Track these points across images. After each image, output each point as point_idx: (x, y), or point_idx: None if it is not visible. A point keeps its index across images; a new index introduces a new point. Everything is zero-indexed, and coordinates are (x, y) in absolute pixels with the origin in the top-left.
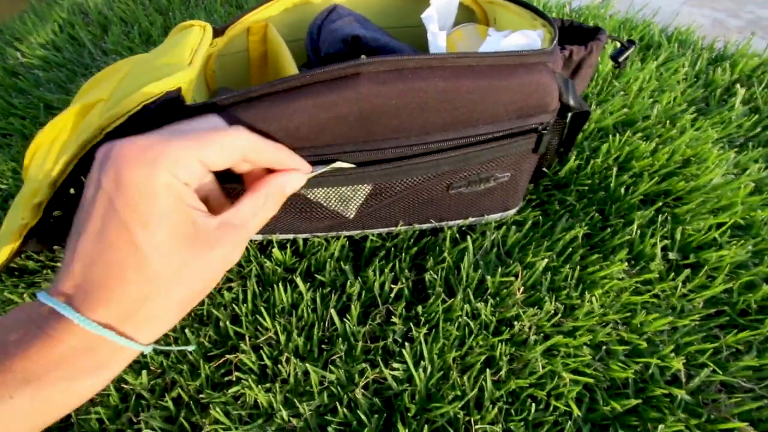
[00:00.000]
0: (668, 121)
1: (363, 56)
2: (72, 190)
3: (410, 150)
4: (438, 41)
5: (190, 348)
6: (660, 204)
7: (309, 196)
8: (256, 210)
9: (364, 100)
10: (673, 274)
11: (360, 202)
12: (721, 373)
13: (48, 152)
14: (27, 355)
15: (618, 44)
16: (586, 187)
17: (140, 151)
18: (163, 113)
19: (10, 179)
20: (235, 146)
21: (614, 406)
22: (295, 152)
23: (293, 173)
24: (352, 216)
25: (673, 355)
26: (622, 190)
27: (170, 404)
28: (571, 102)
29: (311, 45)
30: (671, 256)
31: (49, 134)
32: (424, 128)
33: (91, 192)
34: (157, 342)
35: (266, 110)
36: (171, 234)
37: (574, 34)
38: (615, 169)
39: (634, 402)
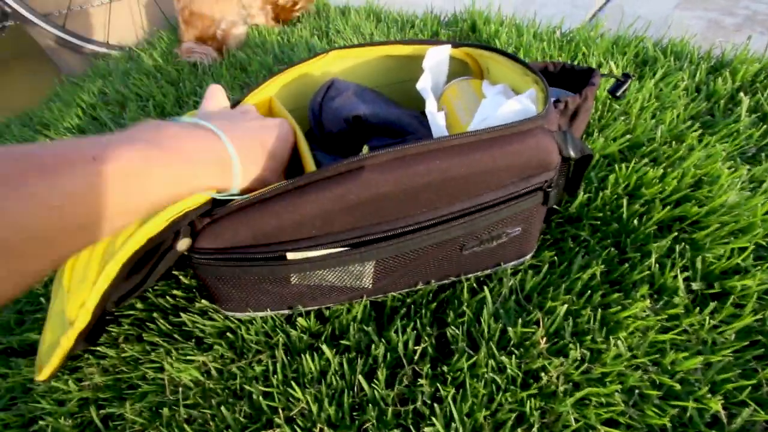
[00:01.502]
0: (674, 141)
1: (365, 147)
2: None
3: (419, 225)
4: (437, 120)
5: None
6: (676, 232)
7: (323, 283)
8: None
9: (370, 190)
10: (699, 306)
11: (373, 274)
12: (762, 411)
13: (90, 261)
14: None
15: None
16: (599, 221)
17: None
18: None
19: None
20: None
21: None
22: (311, 239)
23: None
24: (369, 286)
25: (710, 395)
26: (635, 221)
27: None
28: (572, 153)
29: (314, 120)
30: (695, 286)
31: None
32: (430, 205)
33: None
34: None
35: (279, 205)
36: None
37: (567, 77)
38: (626, 199)
39: None
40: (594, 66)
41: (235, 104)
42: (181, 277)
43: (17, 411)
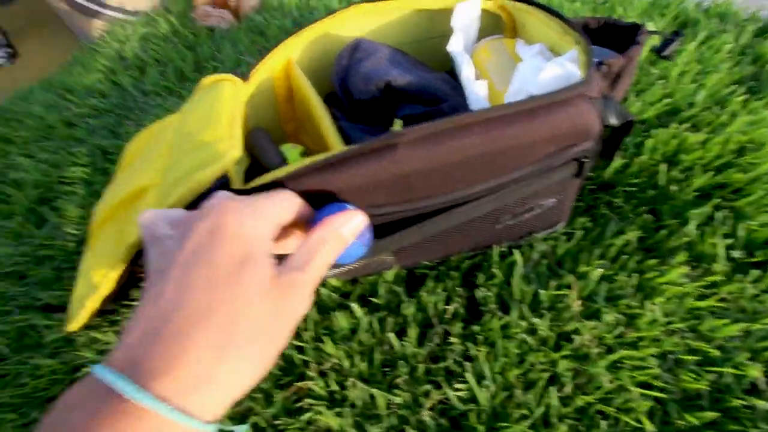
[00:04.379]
0: (716, 106)
1: (398, 122)
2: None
3: (452, 203)
4: (477, 90)
5: (245, 427)
6: (717, 199)
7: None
8: (312, 252)
9: (404, 167)
10: (740, 275)
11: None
12: None
13: (111, 234)
14: None
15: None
16: (635, 187)
17: (238, 204)
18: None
19: (82, 226)
20: (296, 208)
21: (690, 420)
22: None
23: (349, 214)
24: (398, 262)
25: (749, 362)
26: (674, 187)
27: (250, 431)
28: (613, 121)
29: (340, 86)
30: (736, 255)
31: (108, 215)
32: (464, 182)
33: (174, 242)
34: None
35: (314, 179)
36: (255, 281)
37: (610, 34)
38: (664, 165)
39: (711, 415)
40: None
41: (253, 71)
42: None
43: (62, 359)
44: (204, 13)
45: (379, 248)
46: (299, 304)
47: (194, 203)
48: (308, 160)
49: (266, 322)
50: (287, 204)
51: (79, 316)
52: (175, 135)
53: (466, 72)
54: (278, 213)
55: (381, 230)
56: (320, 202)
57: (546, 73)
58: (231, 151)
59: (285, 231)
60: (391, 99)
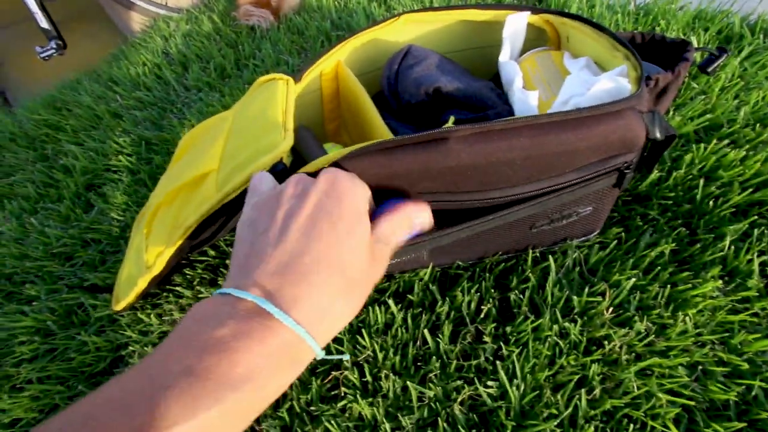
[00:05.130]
0: (757, 124)
1: (451, 117)
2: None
3: (494, 201)
4: (529, 100)
5: (346, 357)
6: (754, 216)
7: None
8: (394, 229)
9: (453, 160)
10: None
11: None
12: None
13: (167, 217)
14: (240, 352)
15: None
16: (670, 201)
17: (346, 174)
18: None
19: (126, 212)
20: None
21: (716, 428)
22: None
23: (420, 206)
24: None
25: None
26: (710, 203)
27: (285, 415)
28: (658, 135)
29: (389, 88)
30: None
31: (166, 200)
32: (508, 182)
33: (287, 199)
34: None
35: (368, 161)
36: (362, 239)
37: (656, 49)
38: (701, 180)
39: (738, 425)
40: None
41: (304, 71)
42: None
43: (107, 337)
44: (246, 13)
45: (422, 244)
46: (381, 268)
47: None
48: (365, 144)
49: (366, 275)
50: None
51: (126, 298)
52: (232, 127)
53: (518, 82)
54: (369, 193)
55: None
56: (379, 195)
57: (598, 87)
58: (285, 141)
59: None
60: (439, 104)
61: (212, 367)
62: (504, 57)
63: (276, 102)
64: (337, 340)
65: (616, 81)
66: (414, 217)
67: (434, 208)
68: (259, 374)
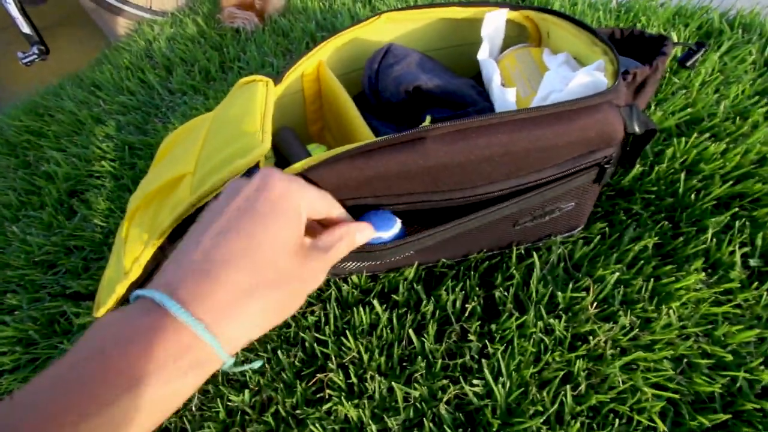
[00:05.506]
0: (737, 117)
1: (427, 117)
2: None
3: (474, 199)
4: (507, 97)
5: (257, 364)
6: (735, 208)
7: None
8: (334, 243)
9: (431, 159)
10: (756, 282)
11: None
12: None
13: (145, 221)
14: (134, 355)
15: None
16: (653, 195)
17: (281, 173)
18: None
19: (109, 218)
20: (330, 205)
21: (702, 420)
22: (370, 198)
23: (365, 226)
24: (419, 258)
25: (762, 367)
26: (692, 196)
27: (270, 420)
28: (637, 129)
29: (369, 87)
30: (752, 263)
31: (143, 203)
32: (488, 179)
33: (223, 202)
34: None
35: (347, 166)
36: (287, 239)
37: (636, 44)
38: (683, 174)
39: (723, 417)
40: None
41: (284, 73)
42: None
43: None
44: (230, 15)
45: (405, 246)
46: (316, 277)
47: None
48: (343, 148)
49: (288, 278)
50: (325, 198)
51: (106, 304)
52: (210, 129)
53: (496, 79)
54: (317, 199)
55: (407, 218)
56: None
57: (575, 82)
58: (262, 144)
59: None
60: (419, 102)
61: (108, 373)
62: (483, 55)
63: (255, 105)
64: (321, 342)
65: (592, 75)
66: (357, 233)
67: (416, 208)
68: (150, 377)
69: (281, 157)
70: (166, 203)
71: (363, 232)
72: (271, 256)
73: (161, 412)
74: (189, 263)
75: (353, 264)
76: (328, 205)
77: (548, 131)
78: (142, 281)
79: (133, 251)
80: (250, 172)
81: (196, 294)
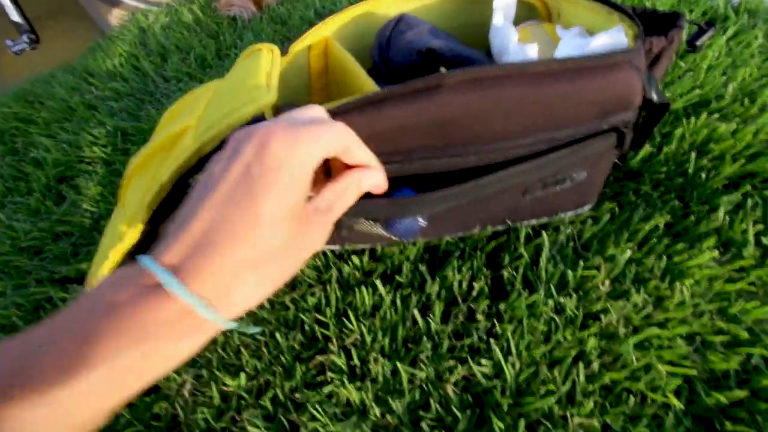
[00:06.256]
0: (746, 99)
1: (442, 68)
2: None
3: (488, 157)
4: (528, 53)
5: (257, 329)
6: (747, 187)
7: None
8: (337, 198)
9: (445, 109)
10: None
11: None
12: None
13: (143, 181)
14: (136, 318)
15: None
16: (662, 175)
17: (284, 130)
18: None
19: (100, 203)
20: (340, 140)
21: (718, 398)
22: (380, 154)
23: (371, 170)
24: (424, 224)
25: None
26: (703, 175)
27: (268, 404)
28: (654, 97)
29: (380, 55)
30: (765, 241)
31: (140, 164)
32: (503, 134)
33: (222, 165)
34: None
35: (356, 118)
36: (288, 207)
37: (649, 21)
38: (693, 154)
39: (740, 394)
40: None
41: (290, 46)
42: None
43: None
44: (227, 3)
45: (410, 205)
46: (317, 239)
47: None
48: (353, 98)
49: (286, 247)
50: (342, 134)
51: (99, 273)
52: (215, 91)
53: (513, 38)
54: (331, 141)
55: (417, 182)
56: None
57: (595, 42)
58: (269, 93)
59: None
60: (430, 66)
61: (97, 331)
62: (497, 21)
63: (260, 65)
64: (321, 323)
65: (613, 36)
66: (363, 180)
67: (427, 170)
68: (140, 343)
69: None
70: (167, 158)
71: (371, 175)
72: (269, 229)
73: (158, 369)
74: (187, 237)
75: (364, 224)
76: (346, 145)
77: (567, 86)
78: (137, 248)
79: (128, 215)
80: (257, 120)
81: (195, 271)
